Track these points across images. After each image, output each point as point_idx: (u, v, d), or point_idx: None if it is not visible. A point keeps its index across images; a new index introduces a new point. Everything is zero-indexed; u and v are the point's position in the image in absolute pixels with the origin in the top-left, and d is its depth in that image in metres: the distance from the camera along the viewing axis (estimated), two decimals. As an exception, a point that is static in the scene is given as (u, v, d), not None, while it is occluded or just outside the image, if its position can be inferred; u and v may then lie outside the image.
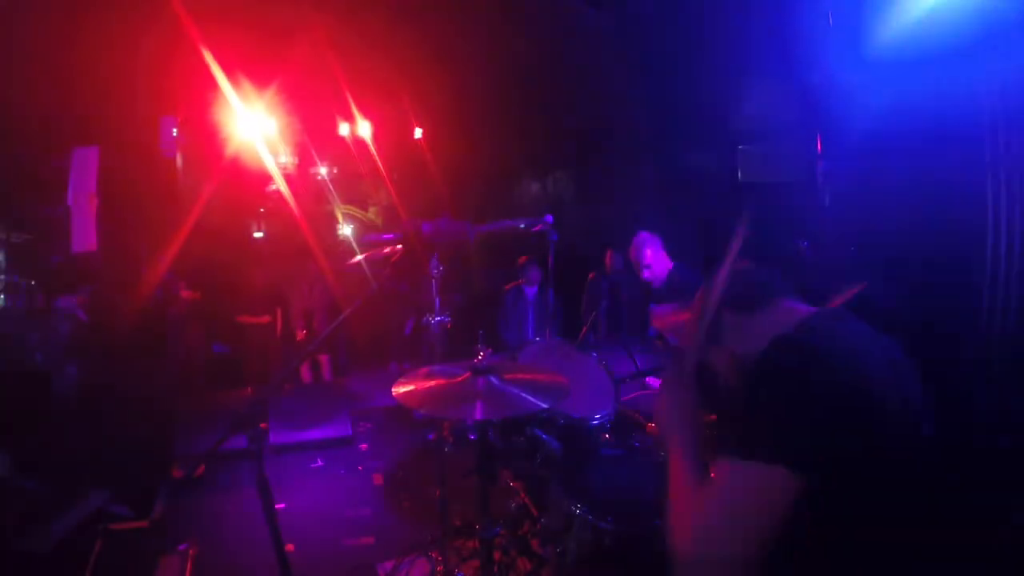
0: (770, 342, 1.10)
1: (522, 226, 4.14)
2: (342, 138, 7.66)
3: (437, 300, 2.69)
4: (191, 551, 2.73)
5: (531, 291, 4.96)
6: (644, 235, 3.81)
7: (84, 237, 4.33)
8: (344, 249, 7.80)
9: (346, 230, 9.62)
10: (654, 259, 3.75)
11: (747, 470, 1.02)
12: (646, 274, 3.77)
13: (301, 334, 5.66)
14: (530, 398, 1.81)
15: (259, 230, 9.45)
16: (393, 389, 1.87)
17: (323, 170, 9.07)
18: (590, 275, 5.20)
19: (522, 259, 4.97)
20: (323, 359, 5.89)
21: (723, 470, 1.06)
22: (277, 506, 1.36)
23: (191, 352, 5.49)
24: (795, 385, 1.03)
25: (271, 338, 5.82)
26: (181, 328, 5.39)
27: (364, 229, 9.97)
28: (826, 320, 1.16)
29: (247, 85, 5.61)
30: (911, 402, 1.09)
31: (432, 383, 1.89)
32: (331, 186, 9.13)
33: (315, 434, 4.48)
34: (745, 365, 1.18)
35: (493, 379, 1.87)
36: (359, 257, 2.95)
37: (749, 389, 1.11)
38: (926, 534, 1.06)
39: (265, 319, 5.79)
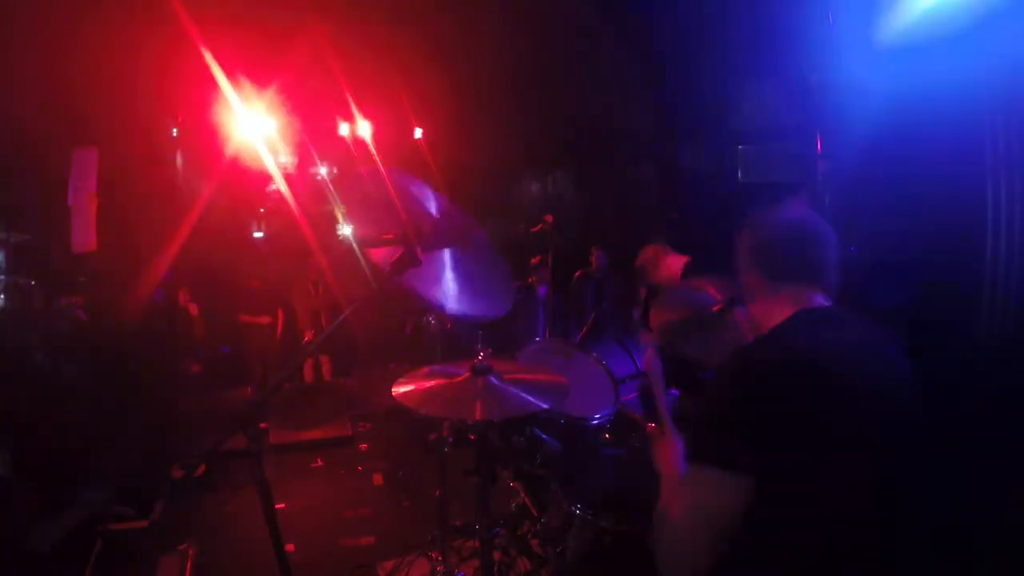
0: (742, 346, 1.17)
1: (522, 227, 4.15)
2: (342, 138, 7.65)
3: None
4: (191, 551, 2.73)
5: (542, 290, 4.99)
6: (655, 247, 3.68)
7: (84, 237, 4.32)
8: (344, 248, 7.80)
9: (346, 230, 9.61)
10: (676, 263, 3.65)
11: (695, 473, 1.08)
12: (664, 272, 3.64)
13: (309, 334, 5.65)
14: (530, 398, 1.81)
15: (259, 230, 9.44)
16: (393, 389, 1.87)
17: (323, 170, 9.06)
18: (576, 274, 5.26)
19: (535, 259, 4.98)
20: (324, 359, 5.89)
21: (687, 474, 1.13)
22: (277, 506, 1.36)
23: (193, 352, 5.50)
24: (741, 387, 1.08)
25: (270, 339, 5.82)
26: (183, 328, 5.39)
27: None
28: (812, 323, 1.16)
29: (247, 85, 5.61)
30: (895, 404, 1.09)
31: (432, 383, 1.89)
32: (331, 186, 9.12)
33: (315, 434, 4.48)
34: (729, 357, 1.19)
35: (493, 379, 1.87)
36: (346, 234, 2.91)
37: (711, 387, 1.17)
38: (894, 536, 1.06)
39: (265, 320, 5.78)
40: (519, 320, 4.97)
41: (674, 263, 3.52)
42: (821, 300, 1.21)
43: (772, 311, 1.20)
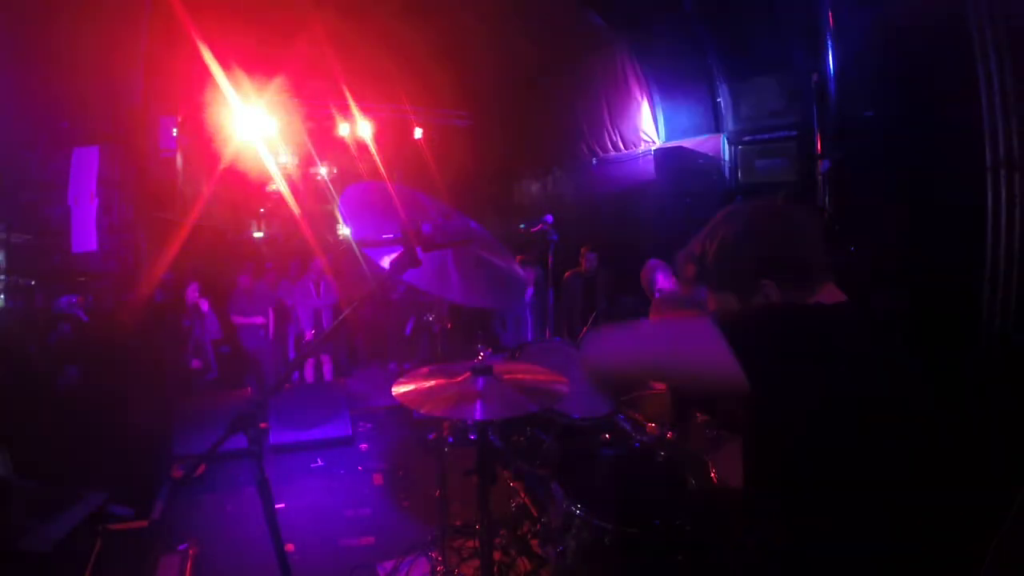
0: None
1: (522, 227, 4.15)
2: (342, 138, 7.66)
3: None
4: (191, 551, 2.73)
5: (529, 292, 4.96)
6: (654, 262, 3.75)
7: (84, 237, 4.32)
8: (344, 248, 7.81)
9: (346, 230, 9.63)
10: (665, 284, 3.70)
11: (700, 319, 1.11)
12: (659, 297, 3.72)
13: (309, 333, 5.67)
14: (530, 398, 1.81)
15: (259, 230, 9.46)
16: (393, 389, 1.87)
17: (323, 170, 9.08)
18: (566, 274, 5.26)
19: (516, 259, 4.98)
20: (325, 359, 5.90)
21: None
22: (277, 506, 1.36)
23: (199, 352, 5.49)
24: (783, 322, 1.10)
25: (264, 339, 5.82)
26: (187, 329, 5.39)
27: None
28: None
29: (247, 85, 5.61)
30: (899, 398, 1.09)
31: (432, 383, 1.89)
32: (331, 186, 9.13)
33: (315, 434, 4.48)
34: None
35: (493, 379, 1.87)
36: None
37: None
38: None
39: (258, 320, 5.79)
40: (506, 323, 4.97)
41: (663, 282, 3.60)
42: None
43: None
